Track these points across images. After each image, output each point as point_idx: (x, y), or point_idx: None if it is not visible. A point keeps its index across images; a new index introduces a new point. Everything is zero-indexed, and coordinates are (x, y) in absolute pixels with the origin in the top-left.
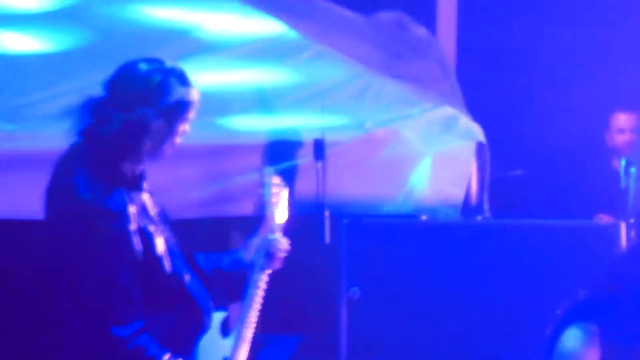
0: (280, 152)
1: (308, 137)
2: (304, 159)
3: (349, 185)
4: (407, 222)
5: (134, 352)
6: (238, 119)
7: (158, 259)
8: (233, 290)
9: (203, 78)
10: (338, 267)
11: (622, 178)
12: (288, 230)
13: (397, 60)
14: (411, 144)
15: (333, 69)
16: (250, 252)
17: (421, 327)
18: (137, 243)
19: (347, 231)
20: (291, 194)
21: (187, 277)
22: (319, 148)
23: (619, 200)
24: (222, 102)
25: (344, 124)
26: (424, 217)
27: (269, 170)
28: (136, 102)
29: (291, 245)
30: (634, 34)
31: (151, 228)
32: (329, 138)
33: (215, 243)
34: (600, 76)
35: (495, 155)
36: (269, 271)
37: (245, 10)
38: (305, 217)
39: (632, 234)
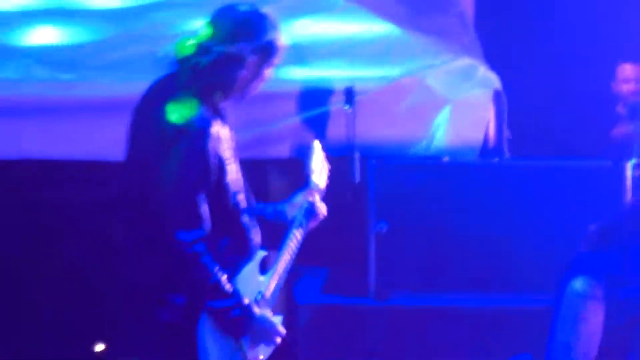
0: (313, 100)
1: (339, 86)
2: (336, 105)
3: (376, 129)
4: (430, 162)
5: (191, 256)
6: (276, 70)
7: (225, 186)
8: (272, 238)
9: None
10: (367, 204)
11: (628, 122)
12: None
13: (420, 15)
14: (434, 92)
15: (361, 24)
16: (292, 209)
17: (443, 259)
18: (213, 164)
19: (375, 171)
20: (324, 137)
21: (245, 209)
22: (349, 95)
23: (625, 143)
24: None
25: (372, 74)
26: (445, 159)
27: (316, 142)
28: (236, 37)
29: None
30: None
31: (227, 154)
32: (358, 86)
33: (256, 181)
34: (609, 30)
35: (512, 102)
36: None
37: None
38: (337, 158)
39: (638, 173)
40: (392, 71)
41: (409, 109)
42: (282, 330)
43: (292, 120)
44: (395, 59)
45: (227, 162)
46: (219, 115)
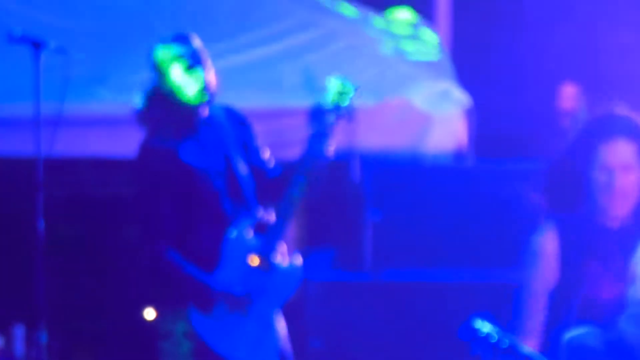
0: (320, 114)
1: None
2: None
3: (372, 139)
4: (415, 165)
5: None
6: (290, 91)
7: (197, 183)
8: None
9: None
10: (364, 198)
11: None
12: (326, 173)
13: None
14: (418, 110)
15: (361, 58)
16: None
17: (431, 242)
18: (177, 171)
19: (371, 172)
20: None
21: (222, 193)
22: (350, 112)
23: None
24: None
25: (369, 95)
26: (427, 162)
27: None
28: None
29: (328, 183)
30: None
31: (196, 158)
32: (356, 105)
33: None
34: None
35: (480, 116)
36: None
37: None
38: (341, 162)
39: None
40: (385, 93)
41: (398, 123)
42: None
43: (303, 132)
44: (388, 83)
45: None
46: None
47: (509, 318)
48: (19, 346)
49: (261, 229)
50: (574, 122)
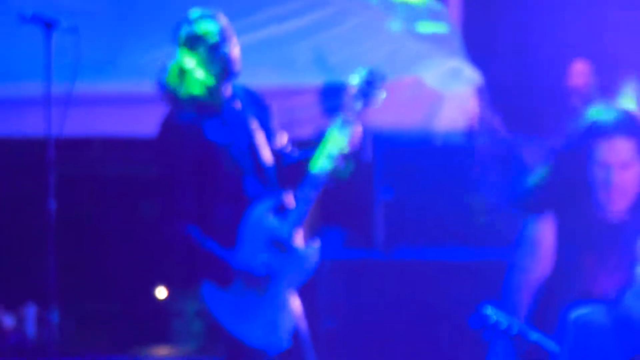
0: (331, 93)
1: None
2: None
3: (385, 116)
4: (427, 144)
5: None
6: (302, 69)
7: (220, 160)
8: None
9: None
10: (376, 177)
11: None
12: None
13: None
14: (429, 88)
15: (373, 36)
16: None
17: (442, 221)
18: (202, 148)
19: (382, 150)
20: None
21: (246, 171)
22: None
23: None
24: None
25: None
26: (439, 141)
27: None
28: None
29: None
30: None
31: (219, 135)
32: None
33: None
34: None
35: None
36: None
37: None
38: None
39: None
40: (396, 71)
41: (410, 101)
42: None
43: (314, 110)
44: (400, 61)
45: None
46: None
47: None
48: (31, 326)
49: (282, 210)
50: (584, 99)
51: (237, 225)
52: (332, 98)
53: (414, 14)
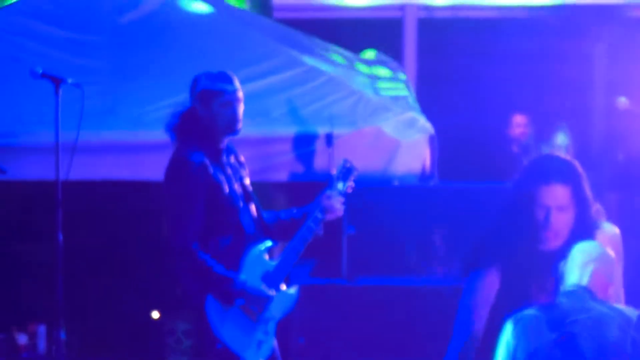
0: (304, 142)
1: (322, 132)
2: (319, 145)
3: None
4: (385, 186)
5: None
6: (277, 120)
7: (220, 198)
8: (286, 233)
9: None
10: (342, 215)
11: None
12: (310, 193)
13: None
14: (388, 136)
15: (337, 90)
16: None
17: (398, 252)
18: (210, 184)
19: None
20: (311, 168)
21: (242, 210)
22: (329, 139)
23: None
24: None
25: (345, 124)
26: (396, 183)
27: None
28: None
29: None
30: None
31: (221, 177)
32: (335, 132)
33: (264, 198)
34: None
35: (441, 143)
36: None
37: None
38: (320, 183)
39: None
40: (359, 122)
41: (371, 148)
42: (271, 292)
43: (288, 156)
44: (361, 113)
45: (222, 181)
46: (214, 150)
47: None
48: (41, 343)
49: (271, 256)
50: (522, 147)
51: (236, 254)
52: (303, 146)
53: (380, 79)
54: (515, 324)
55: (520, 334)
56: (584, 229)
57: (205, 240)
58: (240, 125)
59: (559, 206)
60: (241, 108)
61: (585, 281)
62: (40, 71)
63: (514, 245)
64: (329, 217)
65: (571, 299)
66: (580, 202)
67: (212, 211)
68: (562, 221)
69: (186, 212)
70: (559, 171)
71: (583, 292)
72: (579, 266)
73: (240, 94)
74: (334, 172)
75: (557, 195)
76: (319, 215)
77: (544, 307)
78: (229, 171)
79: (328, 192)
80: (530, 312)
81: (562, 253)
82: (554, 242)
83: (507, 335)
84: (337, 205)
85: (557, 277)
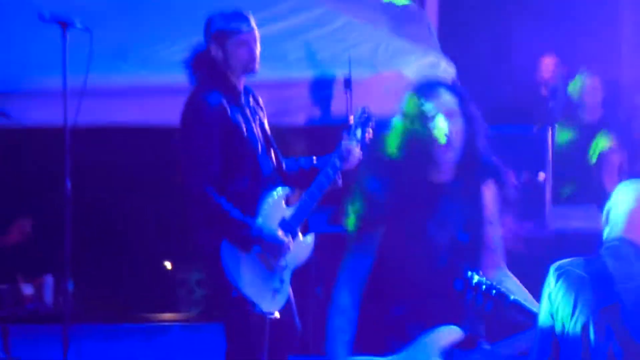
0: (321, 85)
1: (340, 75)
2: (337, 89)
3: (370, 106)
4: None
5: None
6: (294, 64)
7: (239, 140)
8: (306, 181)
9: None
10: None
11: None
12: (327, 137)
13: (400, 25)
14: (409, 80)
15: (356, 33)
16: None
17: None
18: (227, 126)
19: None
20: (328, 112)
21: (260, 156)
22: (347, 83)
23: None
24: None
25: (364, 67)
26: None
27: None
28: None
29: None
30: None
31: (239, 118)
32: (354, 76)
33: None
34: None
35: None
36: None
37: None
38: (339, 126)
39: None
40: (379, 66)
41: (391, 92)
42: (287, 239)
43: (306, 100)
44: (381, 56)
45: (241, 122)
46: (233, 91)
47: None
48: (48, 294)
49: (288, 203)
50: (552, 91)
51: (253, 199)
52: (320, 90)
53: None
54: (559, 278)
55: (565, 293)
56: (474, 162)
57: (221, 184)
58: (257, 64)
59: (448, 111)
60: (258, 48)
61: (630, 233)
62: (48, 14)
63: (405, 180)
64: (347, 165)
65: (616, 259)
66: (468, 121)
67: (230, 154)
68: (451, 131)
69: (202, 155)
70: (445, 83)
71: (628, 248)
72: (624, 213)
73: (257, 34)
74: (352, 120)
75: (444, 100)
76: (337, 163)
77: (589, 266)
78: (248, 113)
79: (345, 140)
80: (575, 269)
81: (454, 185)
82: (446, 159)
83: (549, 286)
84: (355, 153)
85: (454, 211)
